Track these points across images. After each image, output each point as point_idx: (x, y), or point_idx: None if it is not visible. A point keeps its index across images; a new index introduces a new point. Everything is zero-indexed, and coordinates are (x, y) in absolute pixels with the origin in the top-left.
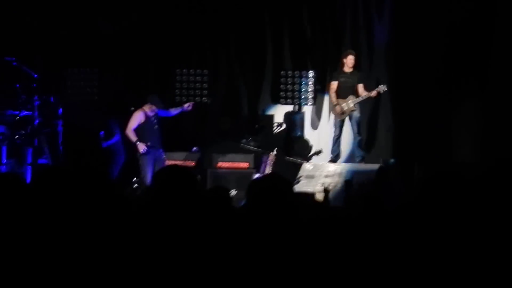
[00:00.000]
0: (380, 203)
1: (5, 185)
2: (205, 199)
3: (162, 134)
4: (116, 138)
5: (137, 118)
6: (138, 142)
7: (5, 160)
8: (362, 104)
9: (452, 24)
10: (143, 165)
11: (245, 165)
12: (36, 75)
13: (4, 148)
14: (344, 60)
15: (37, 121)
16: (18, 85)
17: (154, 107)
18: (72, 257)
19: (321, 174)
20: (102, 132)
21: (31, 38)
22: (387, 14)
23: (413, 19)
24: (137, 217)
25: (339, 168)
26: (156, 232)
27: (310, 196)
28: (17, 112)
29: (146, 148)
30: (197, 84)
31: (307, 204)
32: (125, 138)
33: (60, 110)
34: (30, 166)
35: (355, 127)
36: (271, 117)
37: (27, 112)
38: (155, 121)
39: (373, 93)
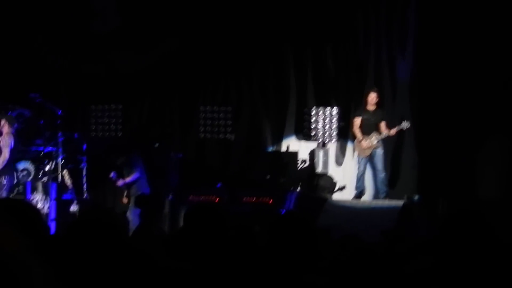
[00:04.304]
0: (402, 239)
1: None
2: (229, 236)
3: (186, 171)
4: (136, 175)
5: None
6: None
7: (30, 196)
8: (385, 140)
9: (476, 59)
10: None
11: (269, 201)
12: (60, 112)
13: (29, 184)
14: (367, 98)
15: (61, 157)
16: (42, 122)
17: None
18: None
19: None
20: (114, 174)
21: (56, 74)
22: (410, 50)
23: (436, 54)
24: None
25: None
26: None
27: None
28: (41, 148)
29: None
30: (221, 121)
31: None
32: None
33: (84, 146)
34: (54, 202)
35: (379, 164)
36: (295, 153)
37: (51, 148)
38: None
39: (392, 132)
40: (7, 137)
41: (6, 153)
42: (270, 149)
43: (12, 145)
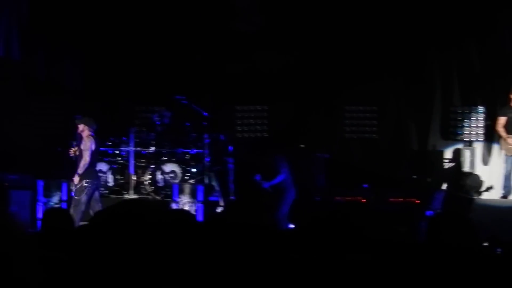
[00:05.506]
0: None
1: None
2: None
3: (332, 171)
4: (282, 176)
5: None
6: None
7: (177, 198)
8: None
9: None
10: None
11: (416, 201)
12: (206, 113)
13: (176, 186)
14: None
15: (208, 159)
16: (188, 124)
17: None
18: None
19: None
20: (258, 176)
21: (201, 75)
22: None
23: None
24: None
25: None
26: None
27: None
28: (188, 150)
29: None
30: (366, 121)
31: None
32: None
33: (230, 147)
34: (201, 204)
35: None
36: (440, 153)
37: (197, 150)
38: None
39: None
40: (87, 141)
41: (87, 157)
42: (416, 148)
43: (93, 148)
